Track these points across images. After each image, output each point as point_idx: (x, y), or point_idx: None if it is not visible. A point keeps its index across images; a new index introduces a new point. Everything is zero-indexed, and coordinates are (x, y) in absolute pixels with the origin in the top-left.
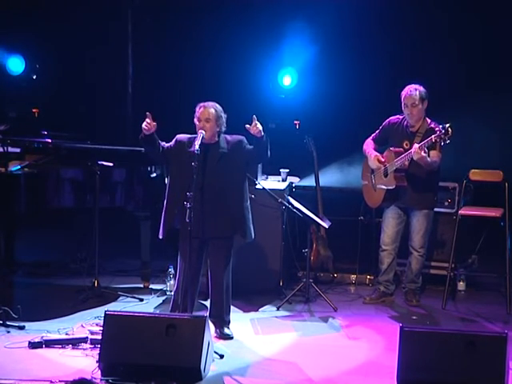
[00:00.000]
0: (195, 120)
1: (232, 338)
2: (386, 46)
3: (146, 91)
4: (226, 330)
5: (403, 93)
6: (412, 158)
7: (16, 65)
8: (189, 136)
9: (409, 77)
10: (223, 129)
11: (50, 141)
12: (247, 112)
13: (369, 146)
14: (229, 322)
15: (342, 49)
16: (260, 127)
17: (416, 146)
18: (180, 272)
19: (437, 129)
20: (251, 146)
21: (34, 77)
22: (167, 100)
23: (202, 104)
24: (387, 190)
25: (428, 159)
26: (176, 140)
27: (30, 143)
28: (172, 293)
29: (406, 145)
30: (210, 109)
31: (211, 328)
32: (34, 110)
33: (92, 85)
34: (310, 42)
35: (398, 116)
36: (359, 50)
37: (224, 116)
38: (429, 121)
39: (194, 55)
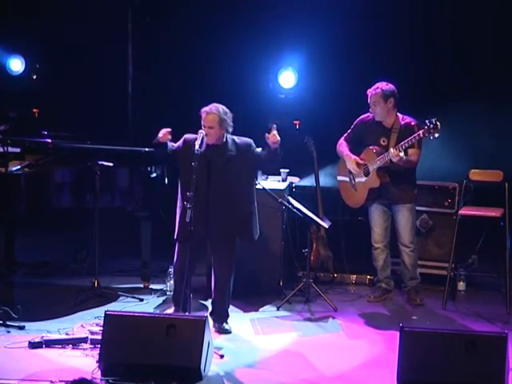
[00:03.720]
0: (203, 126)
1: (230, 332)
2: (386, 46)
3: (145, 91)
4: (225, 325)
5: (367, 91)
6: (386, 156)
7: (16, 65)
8: (196, 136)
9: (409, 76)
10: (230, 129)
11: (50, 141)
12: (247, 112)
13: (344, 147)
14: (228, 316)
15: (342, 49)
16: (278, 138)
17: (391, 150)
18: (177, 272)
19: (413, 123)
20: (260, 150)
21: (34, 77)
22: (167, 100)
23: (204, 110)
24: (370, 188)
25: (405, 158)
26: (184, 140)
27: (30, 143)
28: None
29: (384, 141)
30: (211, 115)
31: (210, 323)
32: (34, 110)
33: (92, 85)
34: (309, 41)
35: (368, 114)
36: (359, 49)
37: (229, 117)
38: (400, 116)
39: (193, 55)
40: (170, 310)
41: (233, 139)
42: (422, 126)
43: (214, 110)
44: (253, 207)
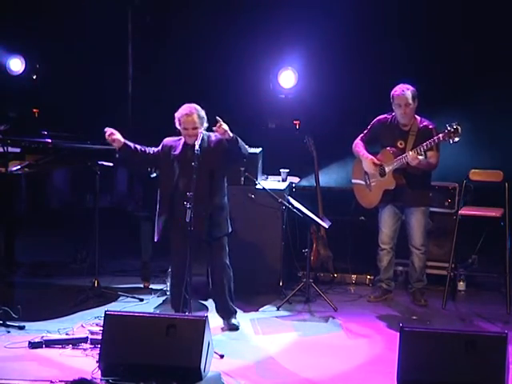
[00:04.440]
0: (180, 127)
1: (239, 327)
2: (386, 46)
3: (145, 91)
4: (233, 321)
5: (395, 93)
6: (403, 159)
7: (16, 65)
8: (174, 139)
9: (409, 76)
10: (206, 125)
11: (50, 141)
12: (247, 112)
13: (360, 147)
14: (235, 311)
15: (343, 49)
16: (225, 127)
17: (410, 152)
18: (175, 272)
19: (431, 126)
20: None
21: (34, 77)
22: (167, 100)
23: (183, 113)
24: (385, 190)
25: (425, 161)
26: (163, 145)
27: (30, 143)
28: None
29: (401, 144)
30: (191, 116)
31: (219, 321)
32: (34, 110)
33: (92, 85)
34: (309, 42)
35: (385, 115)
36: (359, 49)
37: (204, 114)
38: (418, 118)
39: (193, 55)
40: None
41: (208, 136)
42: (442, 130)
43: (194, 110)
44: (224, 200)
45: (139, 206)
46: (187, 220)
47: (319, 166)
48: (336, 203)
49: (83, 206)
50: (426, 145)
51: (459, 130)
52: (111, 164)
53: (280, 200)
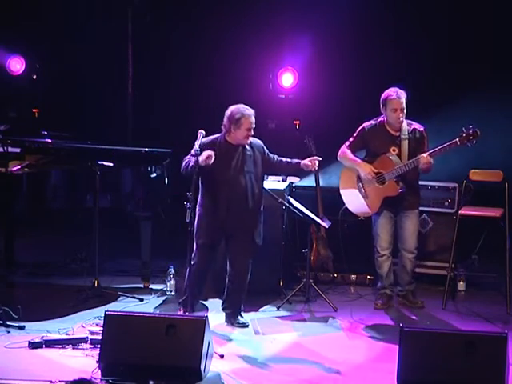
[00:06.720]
0: (237, 128)
1: (248, 324)
2: (385, 46)
3: (146, 91)
4: (241, 319)
5: (390, 97)
6: (411, 164)
7: (16, 65)
8: (211, 139)
9: (408, 77)
10: None
11: (50, 141)
12: None
13: (351, 154)
14: (242, 310)
15: (342, 49)
16: (316, 167)
17: (425, 155)
18: (197, 274)
19: (421, 128)
20: (272, 155)
21: (34, 77)
22: (167, 100)
23: (245, 113)
24: (386, 196)
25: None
26: (202, 145)
27: (30, 143)
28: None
29: (394, 150)
30: (253, 117)
31: (220, 321)
32: (34, 110)
33: (92, 85)
34: (309, 41)
35: (371, 121)
36: (359, 50)
37: None
38: (405, 122)
39: (194, 55)
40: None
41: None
42: (459, 134)
43: (252, 112)
44: (262, 207)
45: (139, 205)
46: (187, 220)
47: (318, 166)
48: (336, 203)
49: (83, 206)
50: (444, 148)
51: (478, 134)
52: (111, 164)
53: (280, 200)
